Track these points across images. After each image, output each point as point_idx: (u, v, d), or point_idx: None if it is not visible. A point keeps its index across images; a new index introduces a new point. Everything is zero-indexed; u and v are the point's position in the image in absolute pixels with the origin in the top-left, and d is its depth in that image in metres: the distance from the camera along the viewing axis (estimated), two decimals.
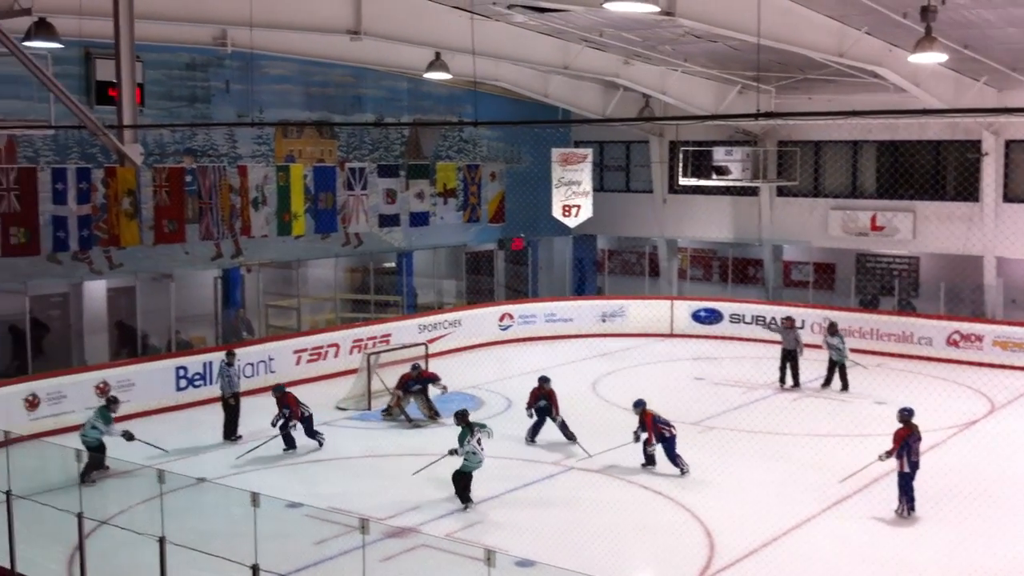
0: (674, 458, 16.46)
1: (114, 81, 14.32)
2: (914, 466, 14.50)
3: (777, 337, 23.33)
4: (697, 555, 13.19)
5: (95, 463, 15.58)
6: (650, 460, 16.64)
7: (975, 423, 19.66)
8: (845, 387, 21.99)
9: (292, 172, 23.99)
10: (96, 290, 22.53)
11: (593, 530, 13.99)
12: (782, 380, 22.58)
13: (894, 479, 14.76)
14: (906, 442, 14.45)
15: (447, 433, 16.69)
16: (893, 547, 13.46)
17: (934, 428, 18.85)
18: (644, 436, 16.59)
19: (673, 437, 16.55)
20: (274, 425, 17.68)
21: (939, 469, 16.50)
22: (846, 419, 19.41)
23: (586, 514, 14.66)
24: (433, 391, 19.97)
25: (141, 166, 20.49)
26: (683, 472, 16.36)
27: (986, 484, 15.61)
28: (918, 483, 14.92)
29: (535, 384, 18.36)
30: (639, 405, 16.79)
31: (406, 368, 20.31)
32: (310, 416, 17.99)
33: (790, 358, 22.51)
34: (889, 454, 14.55)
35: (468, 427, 15.02)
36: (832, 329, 22.22)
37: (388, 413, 19.98)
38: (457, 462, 15.04)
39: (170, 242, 21.93)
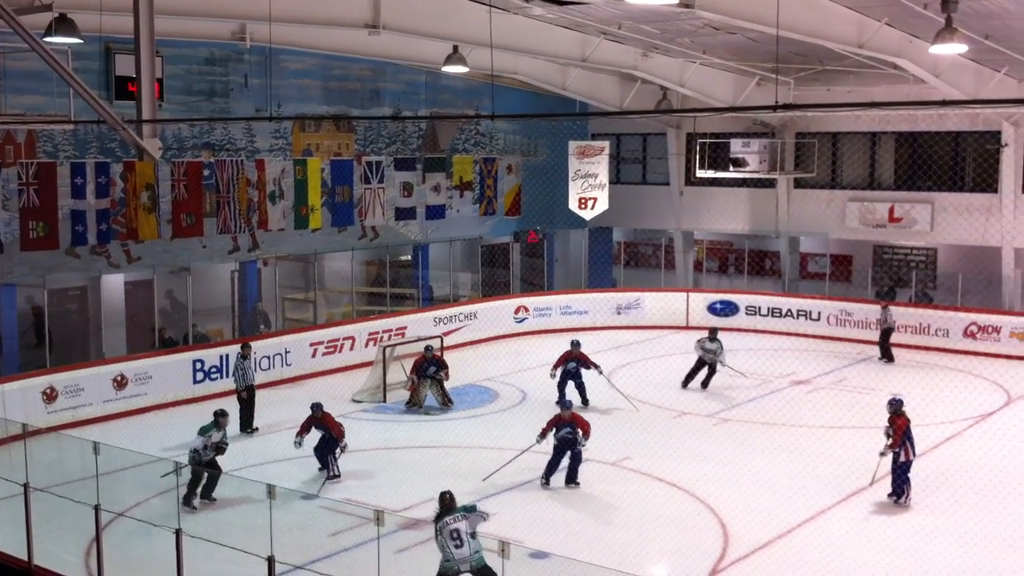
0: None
1: (133, 76, 14.38)
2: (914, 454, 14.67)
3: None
4: (711, 547, 13.20)
5: (195, 482, 14.62)
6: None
7: (991, 415, 19.59)
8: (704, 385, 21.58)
9: (309, 166, 24.07)
10: (114, 283, 22.69)
11: (607, 522, 14.04)
12: (884, 356, 24.33)
13: (920, 472, 14.79)
14: (908, 432, 14.51)
15: (460, 425, 16.78)
16: (909, 539, 13.44)
17: (950, 420, 18.85)
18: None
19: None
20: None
21: (955, 461, 16.50)
22: (861, 411, 19.37)
23: (600, 506, 14.70)
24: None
25: (160, 160, 20.65)
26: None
27: (1003, 476, 15.57)
28: (935, 474, 14.92)
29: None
30: (568, 407, 16.07)
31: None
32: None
33: (886, 338, 24.27)
34: (891, 447, 14.55)
35: (447, 511, 11.02)
36: (712, 335, 21.77)
37: (413, 403, 20.11)
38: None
39: (188, 236, 22.05)
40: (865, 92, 26.04)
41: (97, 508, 11.04)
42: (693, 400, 20.34)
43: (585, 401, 19.81)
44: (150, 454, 14.76)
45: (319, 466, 16.07)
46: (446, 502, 11.13)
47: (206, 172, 22.15)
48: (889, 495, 14.70)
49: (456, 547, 10.71)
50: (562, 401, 18.99)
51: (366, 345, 23.74)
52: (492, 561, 8.83)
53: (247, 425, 18.66)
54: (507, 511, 14.46)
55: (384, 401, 20.71)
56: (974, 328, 25.07)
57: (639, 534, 13.69)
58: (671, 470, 16.13)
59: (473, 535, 10.76)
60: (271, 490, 10.15)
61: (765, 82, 26.99)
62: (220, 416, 15.16)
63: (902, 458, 14.55)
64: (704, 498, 14.95)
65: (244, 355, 18.91)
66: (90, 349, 22.08)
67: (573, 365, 19.73)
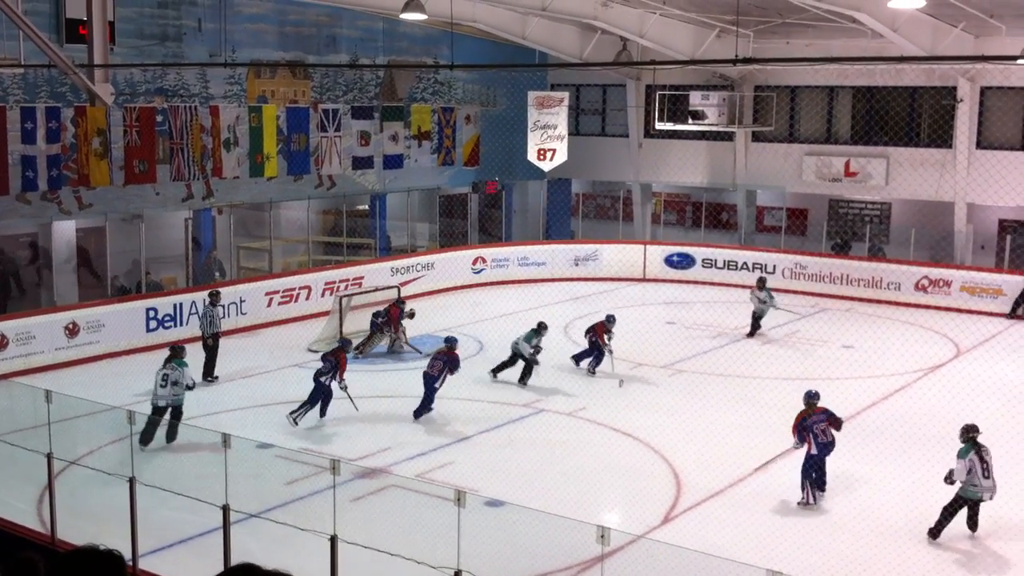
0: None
1: (84, 19, 14.11)
2: (823, 447, 13.14)
3: None
4: (664, 495, 13.37)
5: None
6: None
7: (941, 367, 19.92)
8: (751, 334, 22.10)
9: (265, 113, 23.75)
10: (65, 230, 22.36)
11: (562, 471, 14.16)
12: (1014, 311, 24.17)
13: (869, 423, 14.91)
14: (803, 423, 13.37)
15: (417, 376, 16.77)
16: (857, 489, 13.69)
17: (900, 372, 19.14)
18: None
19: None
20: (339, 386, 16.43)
21: (904, 413, 16.78)
22: (813, 363, 19.63)
23: (555, 455, 14.81)
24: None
25: (111, 105, 20.32)
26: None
27: (949, 428, 15.80)
28: (883, 424, 15.09)
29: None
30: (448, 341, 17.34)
31: (378, 309, 20.52)
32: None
33: None
34: (802, 442, 13.34)
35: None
36: (760, 283, 22.42)
37: (361, 350, 20.10)
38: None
39: (140, 183, 21.74)
40: (824, 45, 26.11)
41: (49, 456, 10.94)
42: (649, 351, 20.47)
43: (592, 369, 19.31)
44: (103, 402, 14.63)
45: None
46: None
47: (159, 118, 21.80)
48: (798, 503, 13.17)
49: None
50: (581, 359, 19.36)
51: (322, 295, 23.65)
52: (448, 509, 8.87)
53: (209, 373, 18.55)
54: (462, 460, 14.57)
55: None
56: (925, 282, 25.41)
57: (594, 482, 13.83)
58: (626, 420, 16.28)
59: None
60: (226, 438, 10.12)
61: (725, 34, 26.94)
62: (540, 326, 18.32)
63: (809, 450, 13.20)
64: (658, 447, 15.11)
65: (213, 302, 18.83)
66: (41, 296, 21.81)
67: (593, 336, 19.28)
